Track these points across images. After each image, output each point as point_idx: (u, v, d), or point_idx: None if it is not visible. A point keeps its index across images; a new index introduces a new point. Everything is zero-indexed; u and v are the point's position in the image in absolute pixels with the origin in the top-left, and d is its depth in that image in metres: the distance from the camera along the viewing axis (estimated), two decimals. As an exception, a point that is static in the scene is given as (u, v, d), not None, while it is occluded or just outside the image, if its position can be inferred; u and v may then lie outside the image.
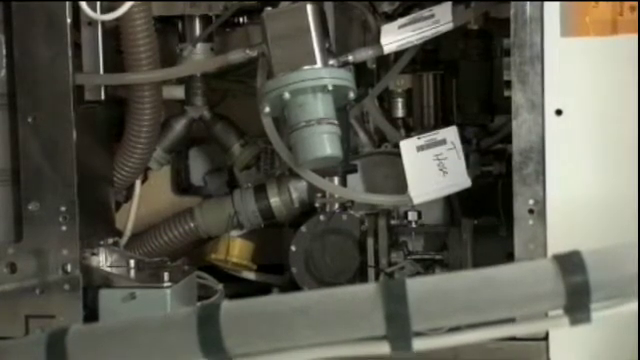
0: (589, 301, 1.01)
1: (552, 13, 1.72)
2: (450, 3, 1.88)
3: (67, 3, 1.86)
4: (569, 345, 1.76)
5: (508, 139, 1.84)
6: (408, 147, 1.92)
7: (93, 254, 1.95)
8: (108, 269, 1.97)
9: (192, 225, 2.19)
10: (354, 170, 2.09)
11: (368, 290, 1.07)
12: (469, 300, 1.04)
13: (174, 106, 2.22)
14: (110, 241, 2.02)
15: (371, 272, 1.97)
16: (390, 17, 2.05)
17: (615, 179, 1.73)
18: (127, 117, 2.04)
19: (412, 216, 2.02)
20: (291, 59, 1.84)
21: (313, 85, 1.82)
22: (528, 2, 1.73)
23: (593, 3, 1.71)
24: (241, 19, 2.22)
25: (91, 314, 1.88)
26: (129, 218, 2.21)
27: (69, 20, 1.86)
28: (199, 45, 2.13)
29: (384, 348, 1.06)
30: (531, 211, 1.75)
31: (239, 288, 2.18)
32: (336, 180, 2.03)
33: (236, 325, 1.08)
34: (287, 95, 1.82)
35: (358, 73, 1.97)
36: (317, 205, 2.06)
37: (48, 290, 1.87)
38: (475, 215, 2.00)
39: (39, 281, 1.87)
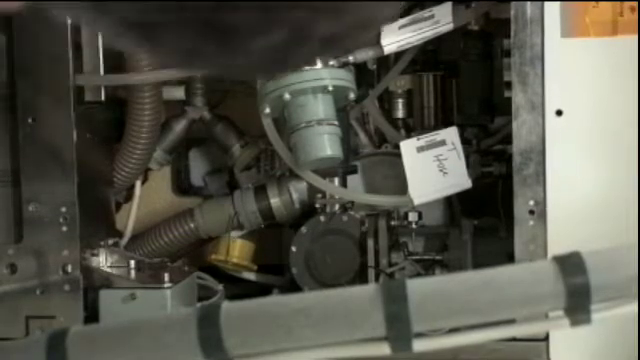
0: (589, 302, 1.01)
1: (552, 14, 1.72)
2: (450, 3, 1.88)
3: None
4: (569, 346, 1.76)
5: (508, 140, 1.83)
6: (408, 148, 1.92)
7: (93, 255, 1.95)
8: (108, 270, 1.97)
9: (192, 226, 2.19)
10: (354, 171, 2.09)
11: (368, 291, 1.07)
12: (469, 301, 1.04)
13: (174, 107, 2.22)
14: (110, 242, 2.02)
15: (371, 273, 1.97)
16: (390, 18, 2.05)
17: (615, 180, 1.72)
18: (127, 118, 2.04)
19: (412, 217, 2.01)
20: (291, 59, 1.83)
21: (313, 86, 1.82)
22: (528, 3, 1.73)
23: (593, 3, 1.71)
24: (241, 20, 2.22)
25: (91, 315, 1.88)
26: (129, 219, 2.20)
27: (69, 20, 1.86)
28: (199, 46, 2.13)
29: (384, 349, 1.06)
30: (531, 212, 1.75)
31: (239, 289, 2.18)
32: (336, 181, 2.03)
33: (236, 326, 1.08)
34: (287, 96, 1.81)
35: (358, 73, 1.97)
36: (317, 206, 2.06)
37: (48, 291, 1.87)
38: (475, 216, 2.00)
39: (39, 282, 1.87)
